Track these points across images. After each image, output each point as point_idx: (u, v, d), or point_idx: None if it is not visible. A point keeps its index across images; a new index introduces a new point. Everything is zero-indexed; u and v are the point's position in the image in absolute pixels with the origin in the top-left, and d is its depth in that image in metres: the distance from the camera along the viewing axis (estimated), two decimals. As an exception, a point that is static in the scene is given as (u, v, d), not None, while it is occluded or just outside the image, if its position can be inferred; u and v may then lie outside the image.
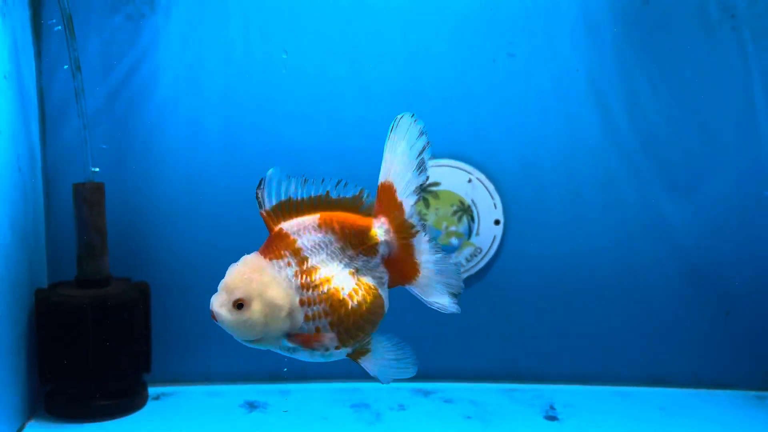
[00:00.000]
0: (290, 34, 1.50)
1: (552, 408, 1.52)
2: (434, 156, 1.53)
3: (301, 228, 0.90)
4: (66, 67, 1.37)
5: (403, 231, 0.95)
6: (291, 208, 0.91)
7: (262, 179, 0.90)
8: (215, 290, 1.63)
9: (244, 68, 1.50)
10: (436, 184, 1.58)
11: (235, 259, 1.52)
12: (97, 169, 1.41)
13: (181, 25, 1.48)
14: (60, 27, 1.36)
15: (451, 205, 1.59)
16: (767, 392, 1.58)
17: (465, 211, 1.60)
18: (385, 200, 0.94)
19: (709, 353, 1.63)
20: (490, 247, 1.61)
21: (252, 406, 1.49)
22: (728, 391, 1.62)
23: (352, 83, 1.52)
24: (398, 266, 0.96)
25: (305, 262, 0.89)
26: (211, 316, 0.89)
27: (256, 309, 0.87)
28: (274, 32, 1.50)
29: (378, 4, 1.50)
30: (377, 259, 0.94)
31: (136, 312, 1.41)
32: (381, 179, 0.94)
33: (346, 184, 0.93)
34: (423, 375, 1.61)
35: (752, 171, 1.56)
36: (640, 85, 1.54)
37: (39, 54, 1.43)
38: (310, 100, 1.52)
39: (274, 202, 0.90)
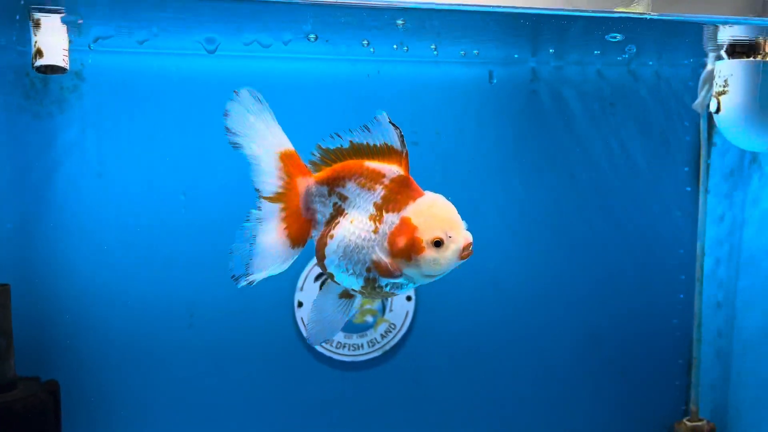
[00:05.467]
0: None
1: (470, 477, 1.58)
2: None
3: None
4: None
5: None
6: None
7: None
8: (129, 388, 1.58)
9: (144, 174, 1.53)
10: (349, 264, 1.64)
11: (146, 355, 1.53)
12: None
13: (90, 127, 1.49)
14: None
15: (365, 284, 1.65)
16: (664, 445, 1.70)
17: (378, 289, 1.66)
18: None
19: (610, 413, 1.74)
20: (404, 322, 1.67)
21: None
22: (629, 447, 1.74)
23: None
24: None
25: None
26: (468, 248, 0.86)
27: None
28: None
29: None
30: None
31: (47, 415, 1.38)
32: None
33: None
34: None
35: (644, 241, 1.72)
36: (532, 166, 1.68)
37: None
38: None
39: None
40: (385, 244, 0.86)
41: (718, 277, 1.67)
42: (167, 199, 1.55)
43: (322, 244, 0.90)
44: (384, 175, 0.88)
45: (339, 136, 0.89)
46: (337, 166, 0.90)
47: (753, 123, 1.29)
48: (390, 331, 1.67)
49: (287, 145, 0.91)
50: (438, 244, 0.85)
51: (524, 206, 1.68)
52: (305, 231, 0.92)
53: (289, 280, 1.61)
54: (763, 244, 1.51)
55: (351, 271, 0.88)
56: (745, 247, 1.58)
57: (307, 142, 0.92)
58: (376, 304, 1.65)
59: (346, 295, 0.94)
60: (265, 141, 0.90)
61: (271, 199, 0.91)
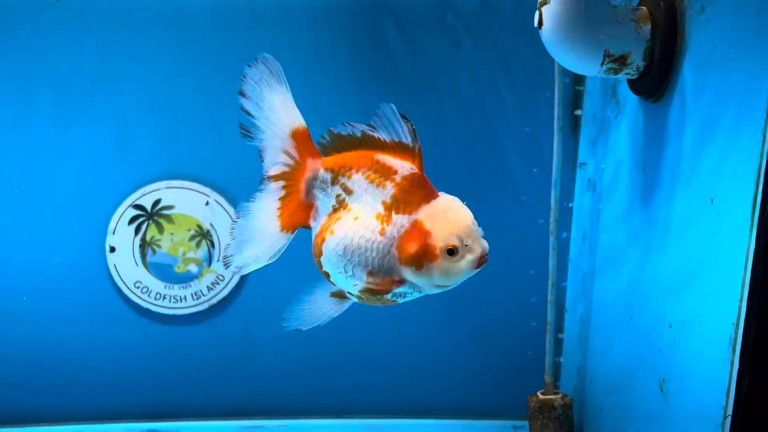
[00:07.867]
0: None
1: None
2: (167, 177, 1.47)
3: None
4: None
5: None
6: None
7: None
8: None
9: None
10: (170, 207, 1.48)
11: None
12: None
13: None
14: None
15: (188, 230, 1.49)
16: (523, 421, 1.51)
17: (204, 236, 1.49)
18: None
19: (469, 383, 1.56)
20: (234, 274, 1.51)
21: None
22: (489, 421, 1.55)
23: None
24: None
25: None
26: (484, 258, 0.82)
27: None
28: None
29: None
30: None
31: None
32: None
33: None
34: (160, 415, 1.52)
35: (510, 193, 1.51)
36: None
37: None
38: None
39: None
40: (393, 249, 0.79)
41: (577, 236, 1.46)
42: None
43: (320, 239, 0.83)
44: (396, 172, 0.81)
45: (351, 124, 0.84)
46: (347, 155, 0.84)
47: (578, 39, 1.07)
48: (218, 284, 1.51)
49: (300, 122, 0.85)
50: (452, 252, 0.79)
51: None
52: (300, 217, 0.86)
53: (99, 221, 1.45)
54: (617, 206, 1.30)
55: (350, 273, 0.82)
56: (606, 207, 1.37)
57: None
58: (200, 252, 1.49)
59: (340, 295, 0.87)
60: (279, 116, 0.85)
61: (274, 177, 0.86)
